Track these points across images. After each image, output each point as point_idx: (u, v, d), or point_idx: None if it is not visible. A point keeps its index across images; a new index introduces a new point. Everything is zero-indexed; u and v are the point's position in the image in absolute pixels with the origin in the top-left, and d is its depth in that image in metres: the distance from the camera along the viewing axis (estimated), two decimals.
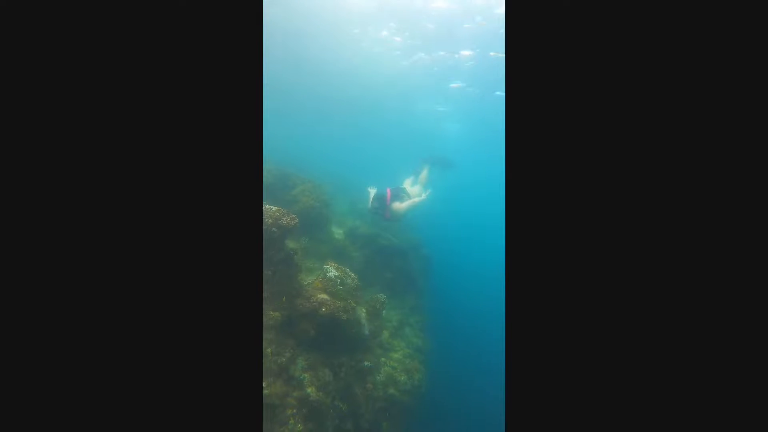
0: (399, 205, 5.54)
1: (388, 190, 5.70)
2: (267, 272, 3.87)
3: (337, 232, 7.42)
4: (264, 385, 3.11)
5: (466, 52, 8.56)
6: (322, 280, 4.55)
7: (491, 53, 8.28)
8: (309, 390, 3.72)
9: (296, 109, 16.50)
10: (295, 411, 3.28)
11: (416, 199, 5.74)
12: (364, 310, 4.77)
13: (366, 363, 4.54)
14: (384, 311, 5.25)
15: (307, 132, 20.80)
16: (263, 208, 3.99)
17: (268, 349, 3.38)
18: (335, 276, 4.63)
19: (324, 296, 4.19)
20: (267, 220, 3.85)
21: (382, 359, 5.02)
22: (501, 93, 10.06)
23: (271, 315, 3.61)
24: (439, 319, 6.87)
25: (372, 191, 5.78)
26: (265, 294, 3.75)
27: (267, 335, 3.47)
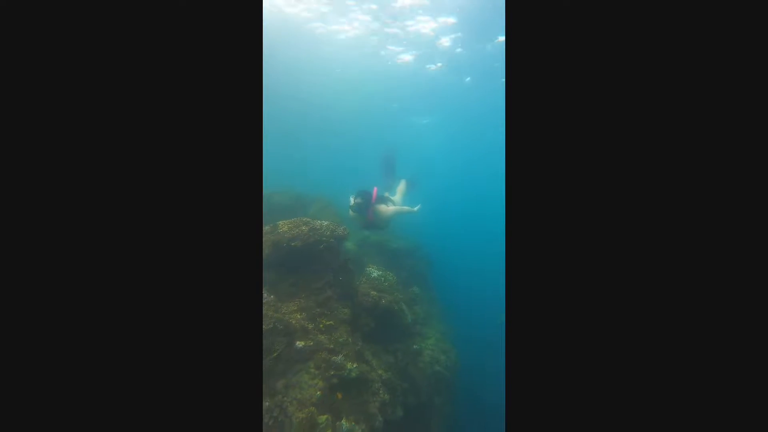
0: (385, 209, 5.06)
1: (375, 189, 5.13)
2: (330, 277, 4.50)
3: (348, 244, 8.06)
4: (355, 366, 3.74)
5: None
6: (368, 280, 5.23)
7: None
8: (380, 371, 4.37)
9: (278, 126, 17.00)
10: (380, 384, 3.92)
11: (405, 208, 5.44)
12: (404, 303, 5.49)
13: (415, 346, 5.24)
14: (417, 304, 5.98)
15: (284, 150, 21.25)
16: (317, 223, 4.63)
17: (349, 339, 4.01)
18: (378, 275, 5.33)
19: (375, 293, 4.87)
20: (326, 232, 4.49)
21: (422, 344, 5.73)
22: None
23: (343, 311, 4.24)
24: (453, 307, 7.68)
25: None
26: (332, 295, 4.37)
27: (344, 328, 4.10)
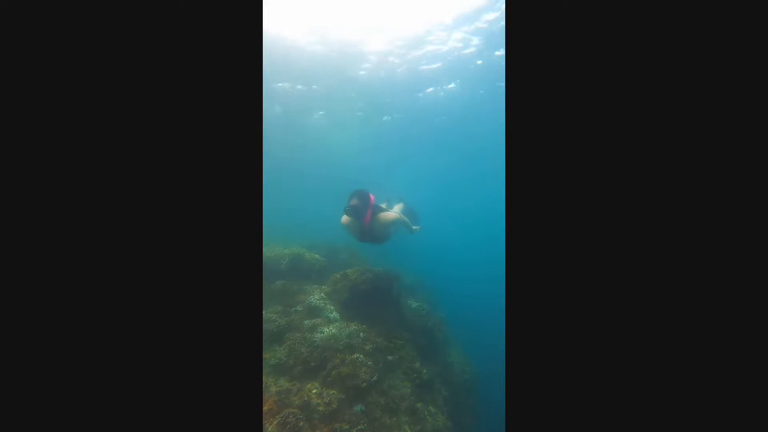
0: (386, 216, 4.44)
1: (371, 197, 4.47)
2: (391, 308, 6.08)
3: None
4: (425, 371, 5.27)
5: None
6: (410, 310, 6.83)
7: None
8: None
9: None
10: (440, 385, 5.47)
11: (407, 219, 4.86)
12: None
13: (449, 359, 6.82)
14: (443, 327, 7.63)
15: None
16: (377, 270, 6.24)
17: (413, 353, 5.55)
18: (417, 306, 6.94)
19: (420, 319, 6.48)
20: (384, 276, 6.11)
21: (451, 359, 7.31)
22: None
23: (405, 333, 5.81)
24: (463, 331, 9.34)
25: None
26: (395, 322, 5.93)
27: (409, 345, 5.65)
